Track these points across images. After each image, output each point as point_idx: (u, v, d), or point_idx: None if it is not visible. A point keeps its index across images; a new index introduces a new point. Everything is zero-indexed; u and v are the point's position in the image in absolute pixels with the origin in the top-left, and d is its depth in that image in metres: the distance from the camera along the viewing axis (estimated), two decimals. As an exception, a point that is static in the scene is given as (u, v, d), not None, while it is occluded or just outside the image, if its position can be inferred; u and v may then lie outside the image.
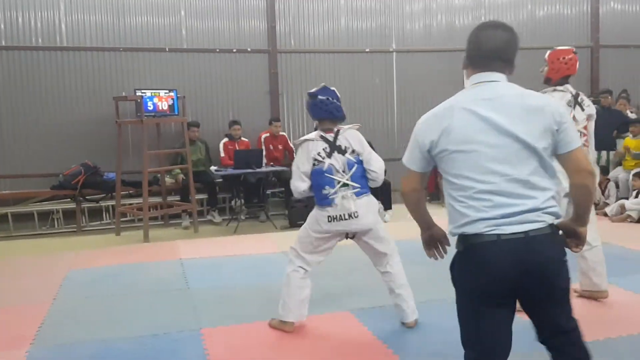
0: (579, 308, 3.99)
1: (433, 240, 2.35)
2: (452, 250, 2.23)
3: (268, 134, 8.49)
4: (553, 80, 4.16)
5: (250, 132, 8.64)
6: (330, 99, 3.77)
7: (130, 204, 7.89)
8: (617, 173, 8.01)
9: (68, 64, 8.14)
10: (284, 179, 8.34)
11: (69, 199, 7.83)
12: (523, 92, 2.08)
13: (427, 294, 4.46)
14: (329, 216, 3.65)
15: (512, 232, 1.94)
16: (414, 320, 3.86)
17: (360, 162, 3.70)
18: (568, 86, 4.15)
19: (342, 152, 3.69)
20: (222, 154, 8.22)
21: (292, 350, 3.59)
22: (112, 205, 7.85)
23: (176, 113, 7.74)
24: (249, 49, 8.90)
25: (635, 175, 7.38)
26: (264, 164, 7.89)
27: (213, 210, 8.20)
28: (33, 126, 8.04)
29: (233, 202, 8.30)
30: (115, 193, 7.55)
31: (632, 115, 8.75)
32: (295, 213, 7.64)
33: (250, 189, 8.15)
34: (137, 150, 7.89)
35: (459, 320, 2.16)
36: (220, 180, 8.15)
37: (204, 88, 8.71)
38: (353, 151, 3.70)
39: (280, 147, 8.55)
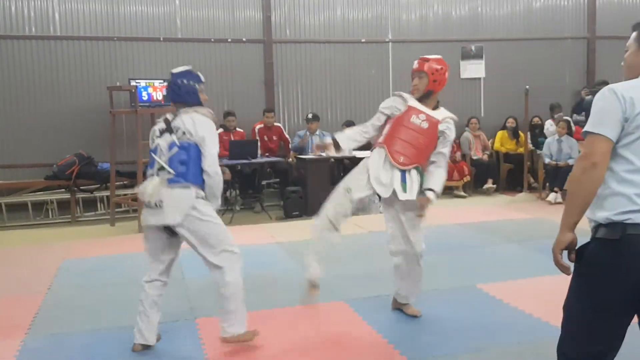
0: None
1: (568, 247, 1.96)
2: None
3: (262, 125, 8.46)
4: (435, 92, 3.78)
5: (245, 123, 8.61)
6: (186, 81, 3.42)
7: (125, 195, 7.86)
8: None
9: (62, 53, 8.07)
10: (279, 170, 8.34)
11: (63, 190, 7.79)
12: None
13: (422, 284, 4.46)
14: (145, 201, 3.28)
15: None
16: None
17: (186, 147, 3.23)
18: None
19: (171, 132, 3.31)
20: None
21: (287, 340, 3.59)
22: (107, 196, 7.82)
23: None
24: (244, 39, 8.85)
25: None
26: (258, 155, 7.86)
27: (208, 200, 8.17)
28: (26, 116, 7.99)
29: (228, 193, 8.27)
30: (109, 183, 7.52)
31: None
32: (290, 204, 7.64)
33: (245, 180, 8.13)
34: (132, 140, 7.85)
35: (572, 320, 1.99)
36: (215, 170, 8.12)
37: (198, 78, 8.64)
38: (184, 133, 3.26)
39: (275, 138, 8.53)
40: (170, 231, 3.30)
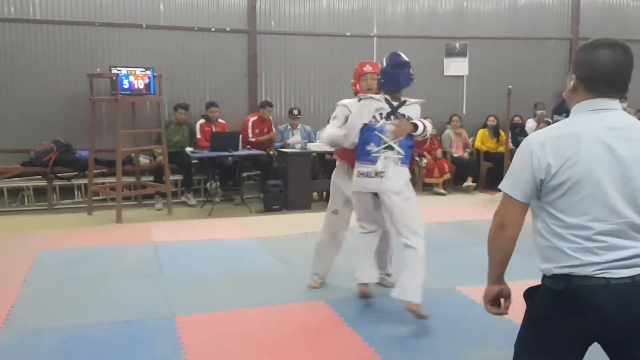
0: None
1: (499, 297, 2.08)
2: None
3: (256, 118, 8.36)
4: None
5: (228, 114, 8.53)
6: (407, 71, 3.94)
7: (103, 183, 7.74)
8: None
9: (41, 37, 7.88)
10: (260, 163, 8.28)
11: (40, 176, 7.65)
12: None
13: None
14: (359, 171, 3.90)
15: (620, 277, 1.81)
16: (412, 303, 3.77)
17: (410, 135, 3.88)
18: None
19: (397, 117, 3.90)
20: (199, 135, 8.11)
21: (266, 340, 3.57)
22: (85, 184, 7.70)
23: (152, 92, 7.58)
24: (227, 29, 8.73)
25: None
26: (240, 147, 7.79)
27: (188, 192, 8.10)
28: (3, 101, 7.79)
29: (208, 185, 8.21)
30: (87, 171, 7.40)
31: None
32: (270, 197, 7.60)
33: (225, 171, 8.06)
34: (111, 128, 7.72)
35: (526, 355, 1.99)
36: (196, 161, 8.04)
37: (181, 67, 8.53)
38: (409, 119, 3.91)
39: (266, 130, 8.43)
40: (376, 196, 3.92)
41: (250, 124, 8.31)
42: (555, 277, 1.87)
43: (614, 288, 1.80)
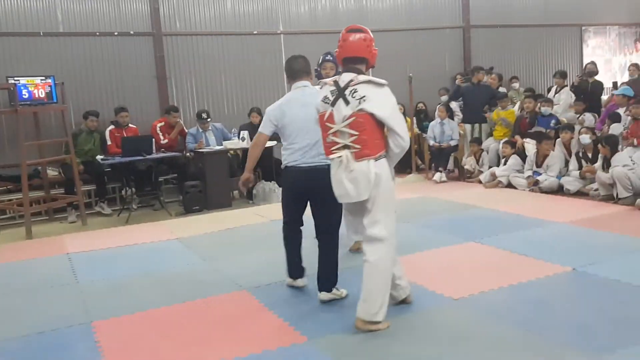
0: (450, 268, 4.32)
1: (248, 180, 4.22)
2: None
3: (163, 123, 8.22)
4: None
5: (139, 118, 8.40)
6: None
7: (10, 200, 7.40)
8: (488, 143, 8.68)
9: None
10: (176, 165, 8.20)
11: (-62, 198, 7.22)
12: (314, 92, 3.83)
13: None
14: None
15: (304, 165, 3.87)
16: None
17: None
18: None
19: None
20: (109, 142, 7.91)
21: (187, 336, 3.58)
22: (-11, 202, 7.34)
23: (55, 101, 7.33)
24: (131, 32, 8.59)
25: (504, 143, 8.07)
26: (154, 151, 7.68)
27: (102, 201, 7.90)
28: None
29: (123, 192, 8.04)
30: (-9, 189, 7.06)
31: (502, 89, 9.56)
32: (190, 198, 7.56)
33: (141, 177, 7.92)
34: (13, 141, 7.40)
35: (282, 204, 4.10)
36: (109, 169, 7.85)
37: (85, 74, 8.30)
38: None
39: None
40: None
41: (158, 129, 8.15)
42: (286, 166, 3.95)
43: (301, 169, 3.87)
